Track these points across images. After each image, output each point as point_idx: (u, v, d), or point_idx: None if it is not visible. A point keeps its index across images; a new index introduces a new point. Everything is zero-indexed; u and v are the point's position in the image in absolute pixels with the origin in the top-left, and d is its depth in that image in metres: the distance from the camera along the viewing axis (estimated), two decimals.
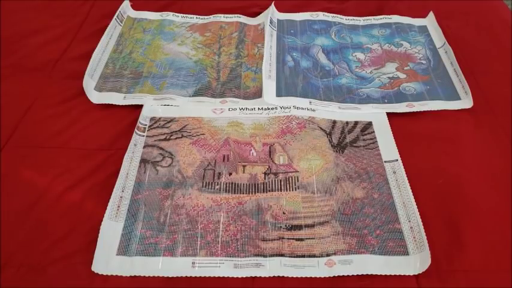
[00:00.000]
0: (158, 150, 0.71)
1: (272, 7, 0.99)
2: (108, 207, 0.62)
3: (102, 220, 0.60)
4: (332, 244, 0.59)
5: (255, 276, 0.56)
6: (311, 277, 0.56)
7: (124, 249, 0.58)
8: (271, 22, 0.96)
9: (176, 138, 0.73)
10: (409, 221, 0.61)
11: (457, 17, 1.00)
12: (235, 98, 0.81)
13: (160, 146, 0.72)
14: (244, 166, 0.69)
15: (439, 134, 0.73)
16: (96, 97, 0.80)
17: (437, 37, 0.94)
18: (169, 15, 1.01)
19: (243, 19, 1.00)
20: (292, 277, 0.56)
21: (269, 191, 0.65)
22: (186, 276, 0.56)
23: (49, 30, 0.95)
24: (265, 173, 0.68)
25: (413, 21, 0.99)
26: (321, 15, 1.01)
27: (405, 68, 0.88)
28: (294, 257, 0.58)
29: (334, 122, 0.76)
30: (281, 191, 0.65)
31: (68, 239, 0.59)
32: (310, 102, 0.79)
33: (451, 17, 0.99)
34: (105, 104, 0.78)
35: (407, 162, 0.68)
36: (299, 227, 0.61)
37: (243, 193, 0.65)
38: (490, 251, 0.58)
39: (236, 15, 1.01)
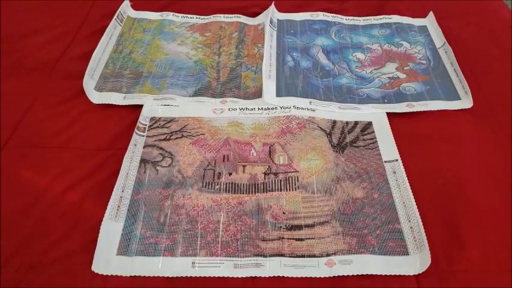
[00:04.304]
0: (158, 150, 0.71)
1: (272, 7, 0.99)
2: (108, 207, 0.62)
3: (102, 220, 0.60)
4: (332, 244, 0.59)
5: (255, 276, 0.56)
6: (311, 277, 0.56)
7: (124, 249, 0.58)
8: (271, 22, 0.96)
9: (176, 138, 0.73)
10: (409, 221, 0.61)
11: (457, 17, 1.00)
12: (235, 98, 0.81)
13: (160, 146, 0.72)
14: (244, 166, 0.69)
15: (439, 134, 0.73)
16: (96, 97, 0.80)
17: (437, 37, 0.94)
18: (169, 15, 1.01)
19: (243, 19, 1.00)
20: (292, 277, 0.56)
21: (269, 191, 0.65)
22: (186, 276, 0.56)
23: (49, 30, 0.95)
24: (265, 173, 0.68)
25: (413, 21, 0.99)
26: (321, 15, 1.01)
27: (405, 68, 0.88)
28: (294, 257, 0.58)
29: (334, 122, 0.76)
30: (281, 191, 0.65)
31: (68, 239, 0.59)
32: (310, 102, 0.79)
33: (451, 17, 0.99)
34: (105, 104, 0.78)
35: (407, 162, 0.68)
36: (299, 227, 0.61)
37: (243, 193, 0.65)
38: (490, 251, 0.58)
39: (236, 15, 1.01)
